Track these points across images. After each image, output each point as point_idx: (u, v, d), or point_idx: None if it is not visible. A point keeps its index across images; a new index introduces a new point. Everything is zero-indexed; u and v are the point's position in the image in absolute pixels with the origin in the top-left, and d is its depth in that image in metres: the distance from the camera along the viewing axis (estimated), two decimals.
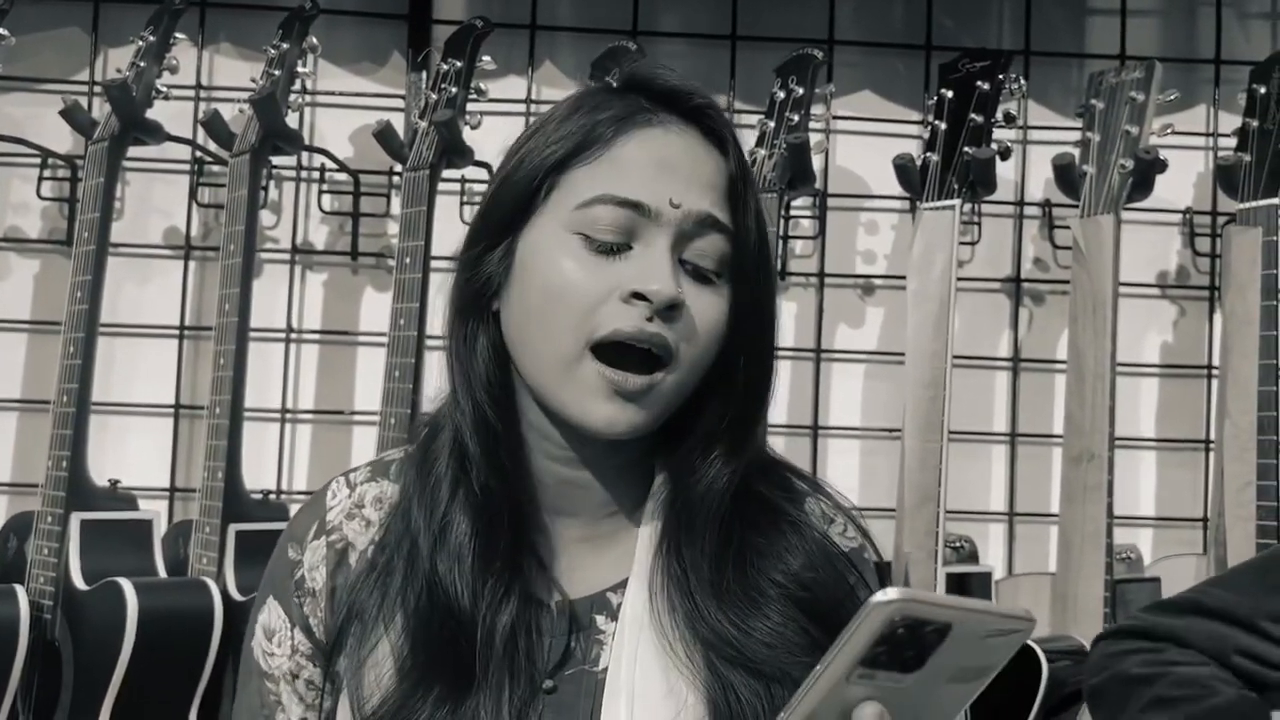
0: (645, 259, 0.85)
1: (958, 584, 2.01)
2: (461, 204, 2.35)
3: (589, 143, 0.88)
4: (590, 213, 0.86)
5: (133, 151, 2.24)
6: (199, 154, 2.39)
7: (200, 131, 2.32)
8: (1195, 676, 1.15)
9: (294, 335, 2.44)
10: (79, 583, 1.97)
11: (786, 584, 0.89)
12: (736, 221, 0.88)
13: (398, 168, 2.27)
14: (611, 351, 0.85)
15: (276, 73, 2.16)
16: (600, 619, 0.90)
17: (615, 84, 0.92)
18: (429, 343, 2.02)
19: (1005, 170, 2.23)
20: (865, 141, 2.46)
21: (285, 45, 2.18)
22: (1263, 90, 2.04)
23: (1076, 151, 2.10)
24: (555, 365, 0.86)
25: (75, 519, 2.02)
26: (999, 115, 2.09)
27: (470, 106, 2.13)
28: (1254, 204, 2.01)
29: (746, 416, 0.91)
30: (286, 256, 2.44)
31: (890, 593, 0.65)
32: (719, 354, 0.89)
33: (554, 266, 0.86)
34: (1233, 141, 2.10)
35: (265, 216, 2.40)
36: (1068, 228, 2.17)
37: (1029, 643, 1.87)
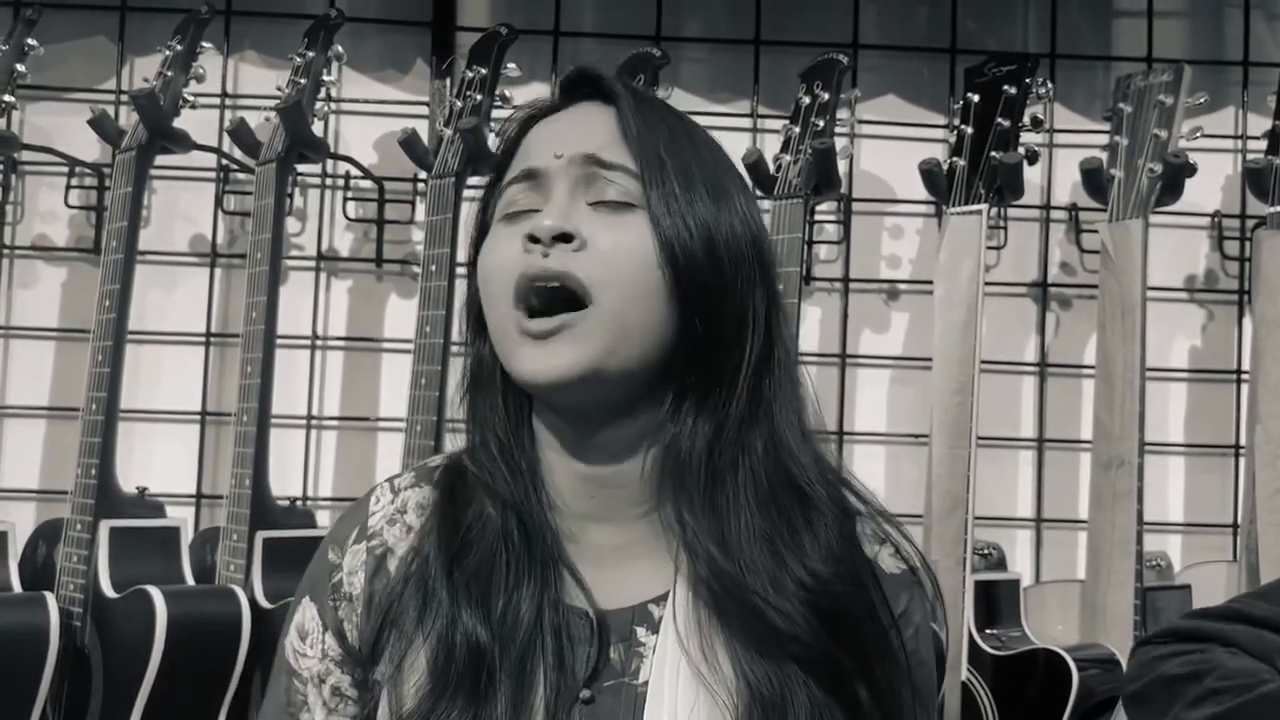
0: (543, 209, 0.89)
1: (986, 591, 2.00)
2: None
3: (508, 154, 0.95)
4: (505, 198, 0.92)
5: (159, 160, 2.25)
6: (225, 162, 2.39)
7: (226, 140, 2.32)
8: (1243, 668, 1.13)
9: (319, 342, 2.45)
10: (108, 590, 1.98)
11: (811, 584, 0.87)
12: (636, 156, 0.89)
13: (423, 175, 2.28)
14: (534, 308, 0.87)
15: (302, 81, 2.17)
16: (641, 631, 0.90)
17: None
18: (455, 350, 2.02)
19: (1031, 174, 2.22)
20: (890, 146, 2.45)
21: (310, 53, 2.19)
22: None
23: (1104, 156, 2.09)
24: (501, 334, 0.89)
25: (104, 526, 2.02)
26: (1026, 119, 2.08)
27: (495, 113, 2.13)
28: None
29: (707, 357, 0.89)
30: (312, 264, 2.45)
31: None
32: (673, 298, 0.87)
33: (487, 251, 0.92)
34: (1262, 144, 2.08)
35: (291, 224, 2.40)
36: (1095, 232, 2.15)
37: (1059, 651, 1.86)
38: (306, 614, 0.95)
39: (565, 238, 0.87)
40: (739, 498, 0.88)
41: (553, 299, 0.86)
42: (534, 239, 0.87)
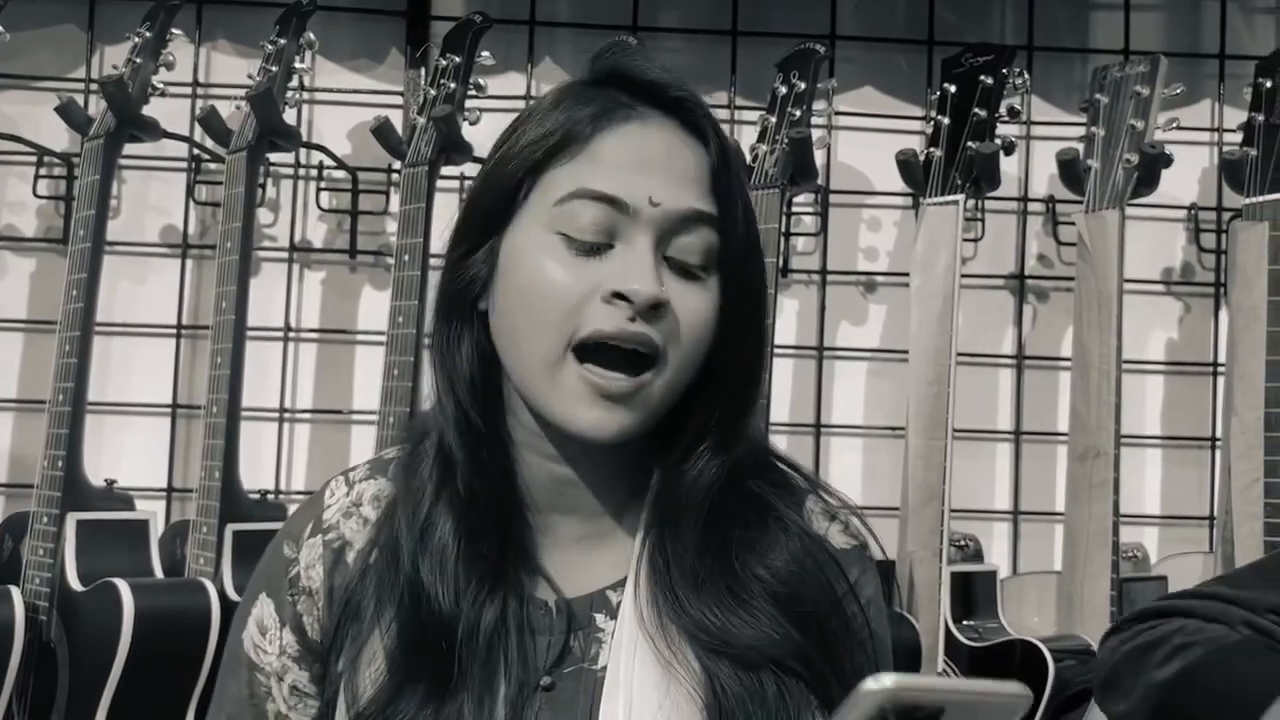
0: (627, 258, 0.84)
1: (962, 583, 1.99)
2: (461, 201, 2.33)
3: (567, 140, 0.87)
4: (568, 209, 0.85)
5: (129, 149, 2.22)
6: (196, 151, 2.37)
7: (197, 128, 2.30)
8: (1208, 626, 1.13)
9: (292, 334, 2.42)
10: (75, 583, 1.96)
11: (769, 579, 0.88)
12: (722, 212, 0.87)
13: (396, 164, 2.26)
14: (595, 353, 0.83)
15: (274, 69, 2.15)
16: (600, 617, 0.90)
17: (595, 76, 0.91)
18: (428, 341, 2.00)
19: (1008, 166, 2.21)
20: (867, 137, 2.45)
21: (282, 41, 2.16)
22: (1268, 84, 2.02)
23: (1080, 147, 2.08)
24: (539, 367, 0.85)
25: (71, 519, 2.00)
26: (1003, 110, 2.07)
27: (469, 103, 2.11)
28: (1261, 198, 1.99)
29: (736, 409, 0.90)
30: (284, 254, 2.42)
31: (883, 679, 0.63)
32: (710, 349, 0.88)
33: (536, 268, 0.85)
34: (1238, 136, 2.08)
35: (263, 214, 2.38)
36: (1071, 223, 2.15)
37: (1035, 642, 1.86)
38: (265, 610, 0.94)
39: (657, 308, 0.84)
40: (718, 512, 0.89)
41: (627, 361, 0.84)
42: (624, 298, 0.83)
